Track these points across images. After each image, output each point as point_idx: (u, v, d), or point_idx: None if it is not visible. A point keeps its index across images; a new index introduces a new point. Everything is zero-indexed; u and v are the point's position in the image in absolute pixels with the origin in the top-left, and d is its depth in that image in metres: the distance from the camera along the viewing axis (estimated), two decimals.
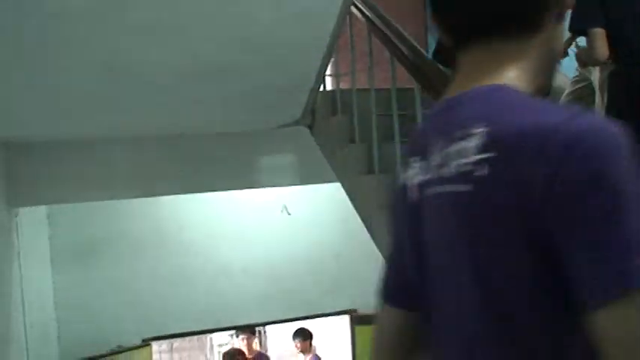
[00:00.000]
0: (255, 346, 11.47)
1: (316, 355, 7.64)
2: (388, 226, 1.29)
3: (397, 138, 3.36)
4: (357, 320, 7.04)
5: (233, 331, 8.52)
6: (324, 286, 6.97)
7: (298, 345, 7.70)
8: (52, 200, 5.44)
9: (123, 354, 6.19)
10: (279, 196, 6.84)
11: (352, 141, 3.91)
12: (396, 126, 3.37)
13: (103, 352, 6.05)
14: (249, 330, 7.97)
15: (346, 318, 7.35)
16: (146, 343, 6.51)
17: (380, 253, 3.53)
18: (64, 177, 5.03)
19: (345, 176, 4.04)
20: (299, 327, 7.87)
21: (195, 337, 14.08)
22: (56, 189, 5.09)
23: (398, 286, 1.26)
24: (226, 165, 5.26)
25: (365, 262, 6.78)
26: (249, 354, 7.55)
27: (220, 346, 12.15)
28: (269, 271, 6.84)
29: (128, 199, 6.08)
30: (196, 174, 5.27)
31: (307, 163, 5.24)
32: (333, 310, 7.30)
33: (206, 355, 14.50)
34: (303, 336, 7.67)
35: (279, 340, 13.72)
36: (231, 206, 6.79)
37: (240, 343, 8.00)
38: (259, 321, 7.62)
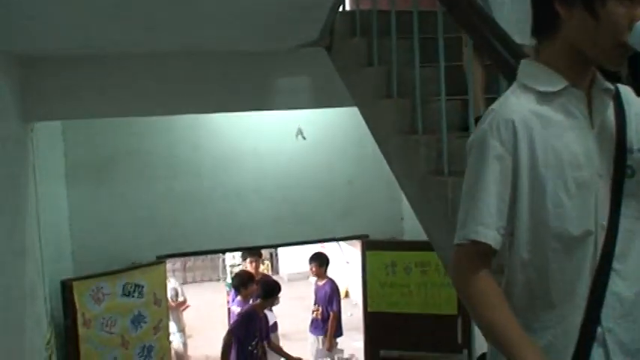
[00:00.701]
0: (267, 269, 11.61)
1: (331, 279, 7.73)
2: None
3: (417, 62, 3.29)
4: (369, 245, 7.08)
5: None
6: (336, 210, 6.99)
7: (314, 269, 7.79)
8: (67, 115, 5.42)
9: (137, 270, 6.29)
10: (294, 119, 6.80)
11: (371, 64, 3.83)
12: (417, 50, 3.28)
13: (117, 267, 6.14)
14: (256, 253, 8.06)
15: (358, 243, 7.38)
16: (160, 260, 6.60)
17: (394, 178, 3.51)
18: (79, 92, 4.99)
19: (363, 100, 3.97)
20: (316, 252, 7.94)
21: (209, 258, 14.36)
22: (71, 104, 5.05)
23: None
24: (242, 85, 5.20)
25: (378, 188, 6.82)
26: (256, 276, 7.66)
27: (232, 266, 12.34)
28: (282, 194, 6.86)
29: (143, 117, 6.06)
30: (212, 93, 5.20)
31: (324, 85, 5.16)
32: (345, 235, 7.34)
33: (218, 275, 14.76)
34: (320, 261, 7.75)
35: (290, 263, 13.95)
36: (246, 128, 6.76)
37: (247, 265, 8.10)
38: (271, 243, 7.67)
